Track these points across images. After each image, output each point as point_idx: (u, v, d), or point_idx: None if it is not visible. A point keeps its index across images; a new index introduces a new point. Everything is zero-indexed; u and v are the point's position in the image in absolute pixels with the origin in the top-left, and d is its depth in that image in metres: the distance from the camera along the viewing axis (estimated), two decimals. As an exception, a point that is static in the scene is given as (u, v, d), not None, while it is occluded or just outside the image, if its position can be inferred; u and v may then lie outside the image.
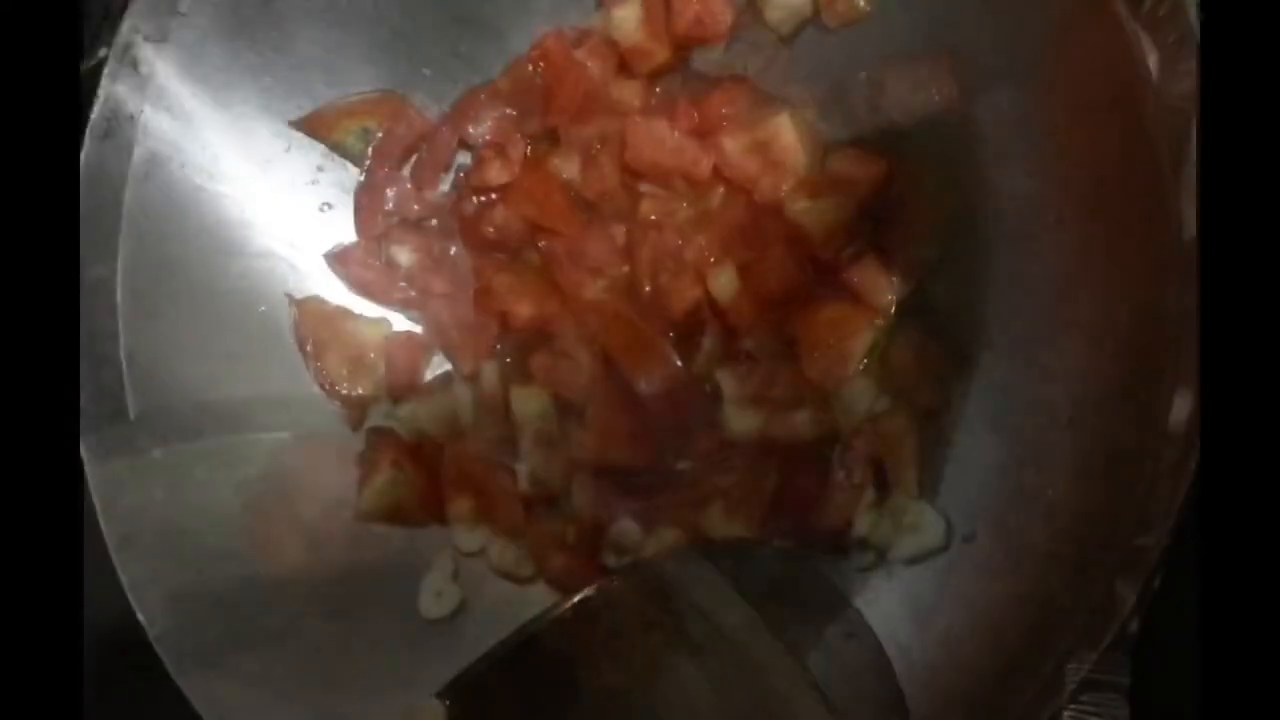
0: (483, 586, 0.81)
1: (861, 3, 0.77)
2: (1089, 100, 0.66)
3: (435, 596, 0.80)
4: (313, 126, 0.85)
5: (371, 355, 0.84)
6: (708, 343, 0.79)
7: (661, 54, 0.82)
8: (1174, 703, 0.66)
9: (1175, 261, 0.60)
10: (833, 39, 0.79)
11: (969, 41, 0.72)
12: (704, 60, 0.84)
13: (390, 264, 0.85)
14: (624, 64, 0.83)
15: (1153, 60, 0.61)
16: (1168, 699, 0.67)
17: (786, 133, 0.79)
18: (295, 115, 0.84)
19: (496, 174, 0.85)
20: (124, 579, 0.72)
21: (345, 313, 0.85)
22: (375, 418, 0.84)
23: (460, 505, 0.81)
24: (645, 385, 0.77)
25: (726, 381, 0.77)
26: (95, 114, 0.77)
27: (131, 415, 0.75)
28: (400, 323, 0.87)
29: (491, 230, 0.85)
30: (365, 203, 0.86)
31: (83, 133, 0.76)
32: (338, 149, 0.86)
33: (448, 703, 0.60)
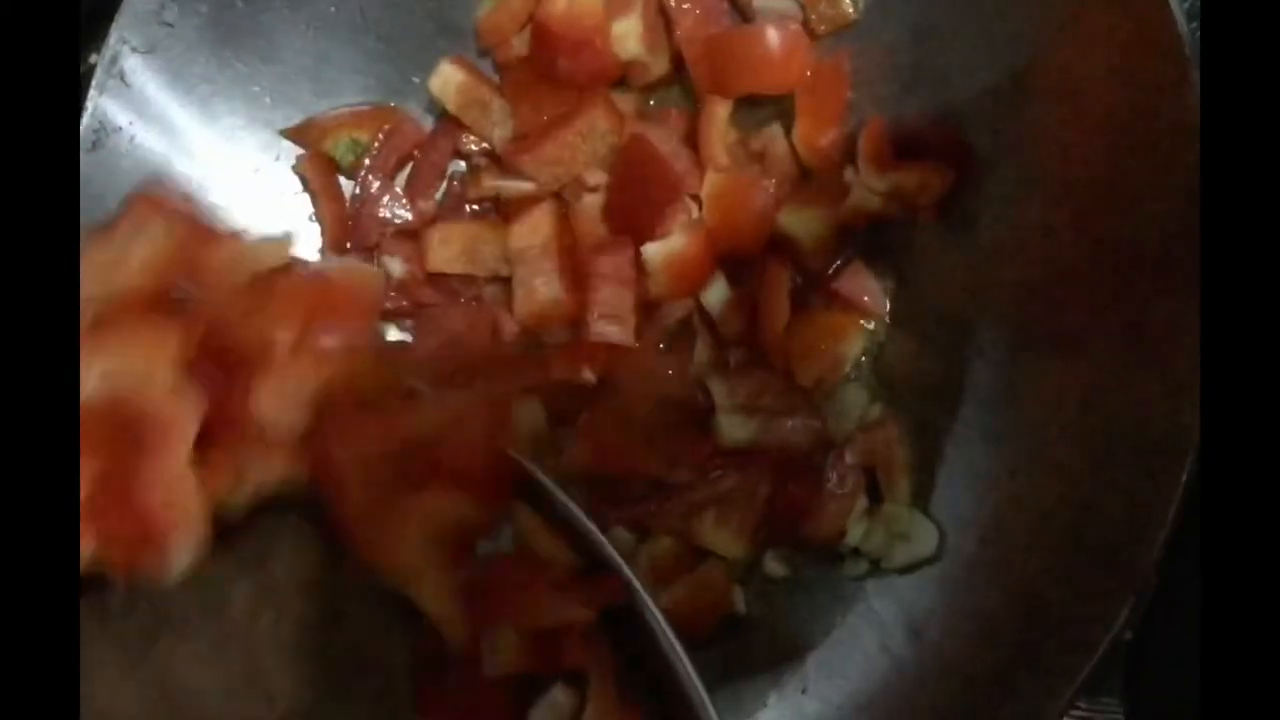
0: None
1: (849, 10, 0.77)
2: (1078, 108, 0.66)
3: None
4: (303, 136, 0.85)
5: (363, 366, 0.84)
6: (699, 352, 0.79)
7: (659, 67, 0.82)
8: (1170, 708, 0.67)
9: (1170, 274, 0.60)
10: (819, 46, 0.79)
11: (954, 48, 0.72)
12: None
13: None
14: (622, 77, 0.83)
15: (1148, 70, 0.61)
16: (1164, 706, 0.67)
17: (779, 142, 0.79)
18: (283, 125, 0.84)
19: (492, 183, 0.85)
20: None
21: (336, 323, 0.85)
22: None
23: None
24: (637, 396, 0.77)
25: (718, 390, 0.77)
26: (83, 126, 0.77)
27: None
28: (392, 333, 0.86)
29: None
30: (358, 213, 0.86)
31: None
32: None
33: None
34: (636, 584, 0.58)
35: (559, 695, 0.60)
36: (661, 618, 0.57)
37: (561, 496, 0.61)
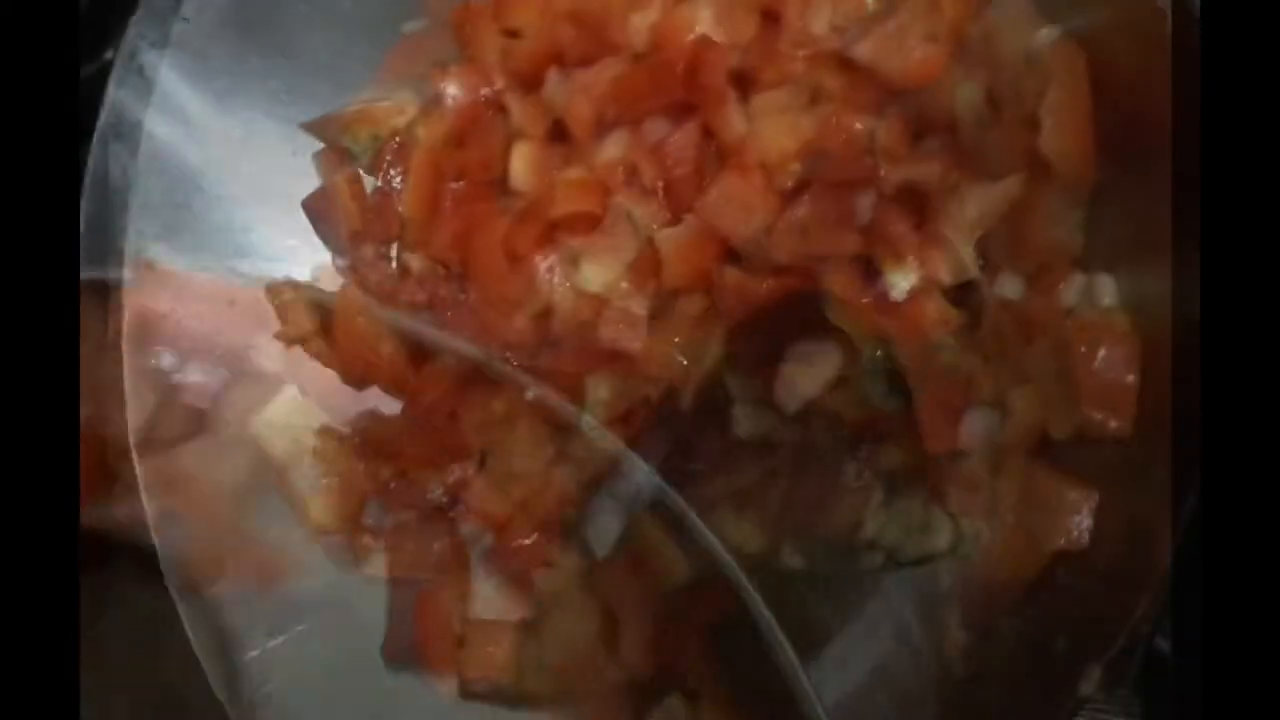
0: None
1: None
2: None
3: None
4: (322, 131, 0.85)
5: (380, 358, 0.84)
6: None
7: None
8: (1185, 703, 0.67)
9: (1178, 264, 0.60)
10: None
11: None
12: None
13: (401, 268, 0.85)
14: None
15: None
16: (1178, 700, 0.67)
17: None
18: (301, 120, 0.84)
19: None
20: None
21: (353, 316, 0.85)
22: (383, 420, 0.84)
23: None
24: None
25: (735, 384, 0.77)
26: (101, 120, 0.77)
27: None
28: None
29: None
30: (378, 207, 0.86)
31: (88, 138, 0.76)
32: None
33: None
34: (755, 598, 0.58)
35: (675, 704, 0.61)
36: (779, 631, 0.58)
37: (681, 503, 0.63)
